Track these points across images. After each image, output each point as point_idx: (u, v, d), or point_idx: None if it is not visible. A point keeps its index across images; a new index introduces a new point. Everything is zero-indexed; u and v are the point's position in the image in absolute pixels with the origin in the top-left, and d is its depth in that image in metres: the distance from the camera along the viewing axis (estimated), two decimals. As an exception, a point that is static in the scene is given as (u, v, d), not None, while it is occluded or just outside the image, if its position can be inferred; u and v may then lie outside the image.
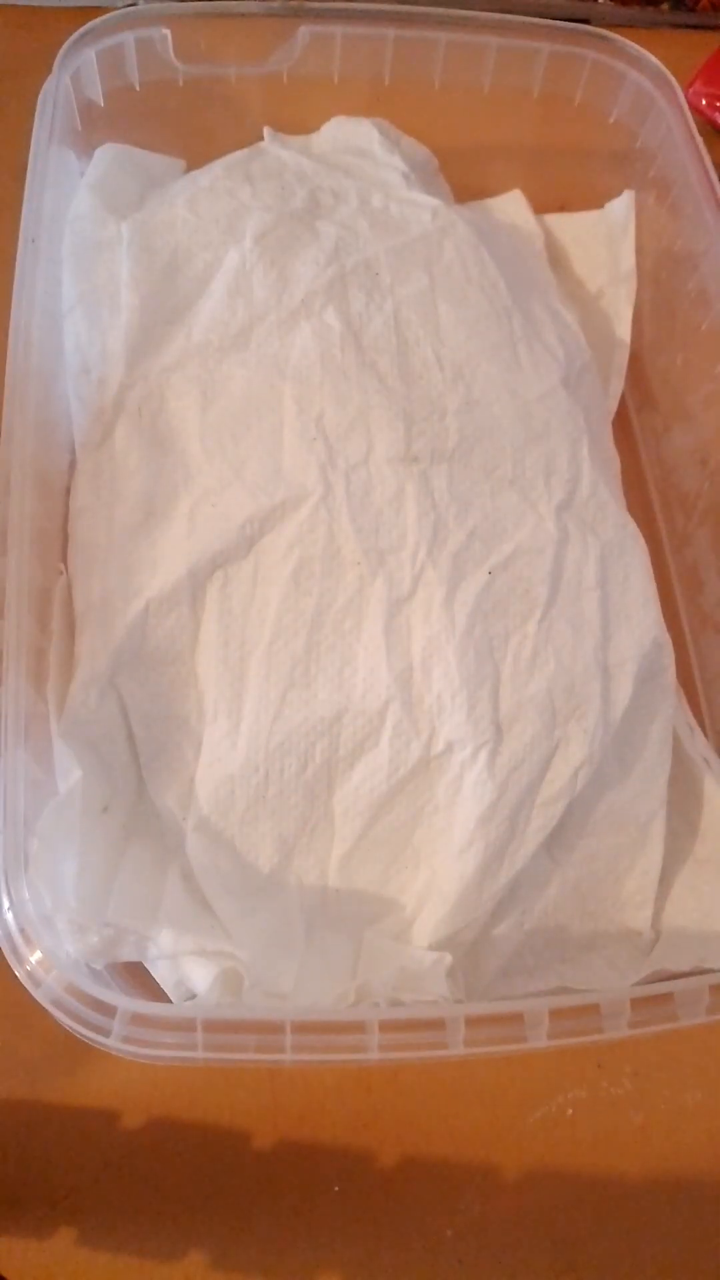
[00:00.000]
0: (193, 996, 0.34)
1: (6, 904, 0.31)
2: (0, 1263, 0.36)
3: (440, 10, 0.47)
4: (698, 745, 0.40)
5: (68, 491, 0.41)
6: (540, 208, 0.49)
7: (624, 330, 0.48)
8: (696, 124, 0.46)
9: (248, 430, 0.40)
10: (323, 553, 0.39)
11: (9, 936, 0.31)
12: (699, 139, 0.45)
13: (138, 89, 0.44)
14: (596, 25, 0.47)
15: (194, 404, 0.40)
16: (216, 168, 0.45)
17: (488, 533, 0.39)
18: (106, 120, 0.45)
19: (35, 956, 0.31)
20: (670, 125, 0.46)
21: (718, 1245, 0.37)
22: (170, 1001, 0.34)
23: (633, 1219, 0.38)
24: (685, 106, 0.46)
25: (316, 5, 0.46)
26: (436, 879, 0.36)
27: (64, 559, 0.40)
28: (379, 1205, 0.37)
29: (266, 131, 0.46)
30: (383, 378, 0.41)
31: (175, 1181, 0.37)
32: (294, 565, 0.38)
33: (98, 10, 0.45)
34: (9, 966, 0.31)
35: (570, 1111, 0.38)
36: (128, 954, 0.34)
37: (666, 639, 0.40)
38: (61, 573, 0.39)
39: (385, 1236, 0.37)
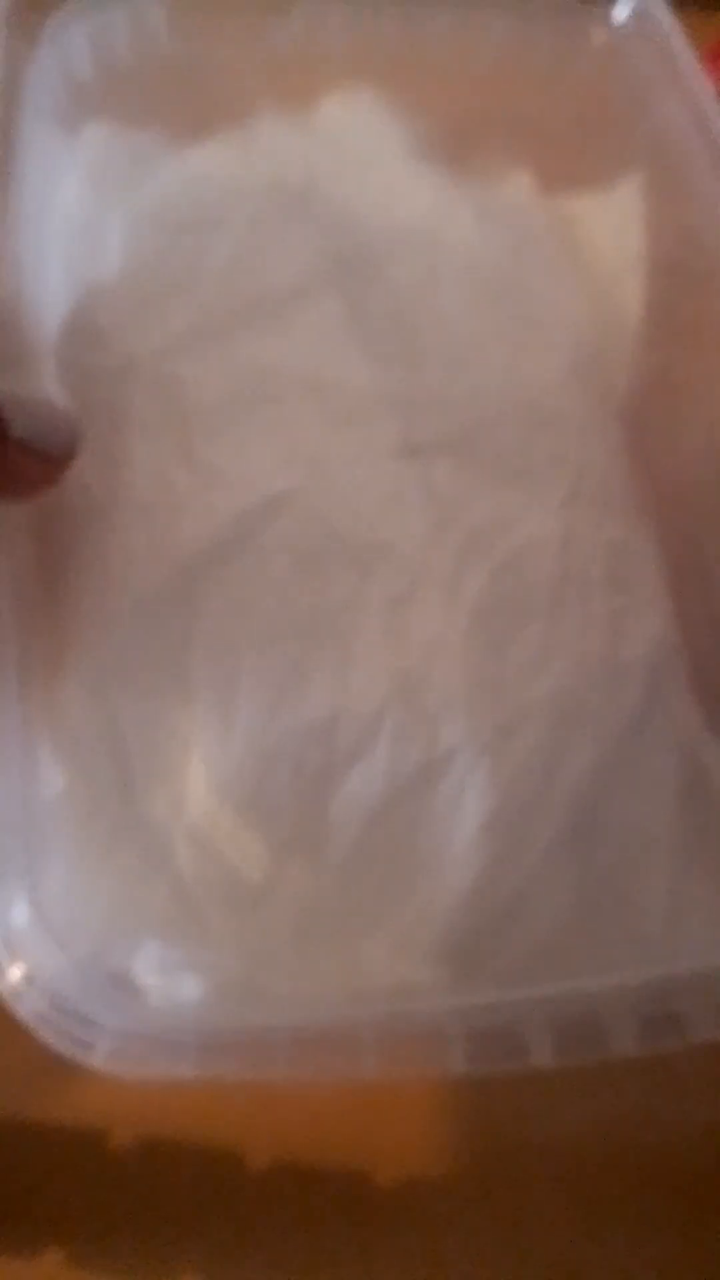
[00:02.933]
0: (184, 1010, 0.34)
1: (-10, 916, 0.31)
2: (-11, 1284, 0.36)
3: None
4: (708, 749, 0.40)
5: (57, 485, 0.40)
6: (545, 188, 0.49)
7: (630, 316, 0.48)
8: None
9: (243, 421, 0.40)
10: (319, 549, 0.38)
11: (-8, 950, 0.31)
12: (712, 119, 0.45)
13: (129, 67, 0.44)
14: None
15: (187, 394, 0.40)
16: (212, 147, 0.45)
17: (491, 529, 0.39)
18: (96, 99, 0.44)
19: (19, 969, 0.31)
20: (681, 106, 0.45)
21: (723, 1263, 0.37)
22: (160, 1016, 0.34)
23: (637, 1237, 0.38)
24: (695, 87, 0.45)
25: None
26: (437, 888, 0.36)
27: (54, 557, 0.39)
28: (377, 1223, 0.37)
29: (263, 110, 0.46)
30: (383, 366, 0.41)
31: (167, 1200, 0.37)
32: (289, 563, 0.38)
33: (86, -15, 0.44)
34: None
35: (573, 1131, 0.39)
36: (116, 966, 0.34)
37: (677, 639, 0.40)
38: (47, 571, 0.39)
39: (384, 1254, 0.37)
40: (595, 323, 0.46)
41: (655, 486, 0.45)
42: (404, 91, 0.47)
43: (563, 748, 0.37)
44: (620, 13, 0.47)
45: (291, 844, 0.36)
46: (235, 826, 0.36)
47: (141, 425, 0.40)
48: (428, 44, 0.46)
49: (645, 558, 0.41)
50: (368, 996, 0.34)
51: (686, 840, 0.38)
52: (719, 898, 0.37)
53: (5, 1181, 0.37)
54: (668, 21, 0.47)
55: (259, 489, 0.39)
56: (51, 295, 0.42)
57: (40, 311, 0.41)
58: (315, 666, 0.37)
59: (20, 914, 0.31)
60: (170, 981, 0.34)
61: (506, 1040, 0.31)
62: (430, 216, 0.44)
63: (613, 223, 0.49)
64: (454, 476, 0.40)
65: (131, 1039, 0.30)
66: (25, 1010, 0.30)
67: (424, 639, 0.38)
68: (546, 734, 0.37)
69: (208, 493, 0.39)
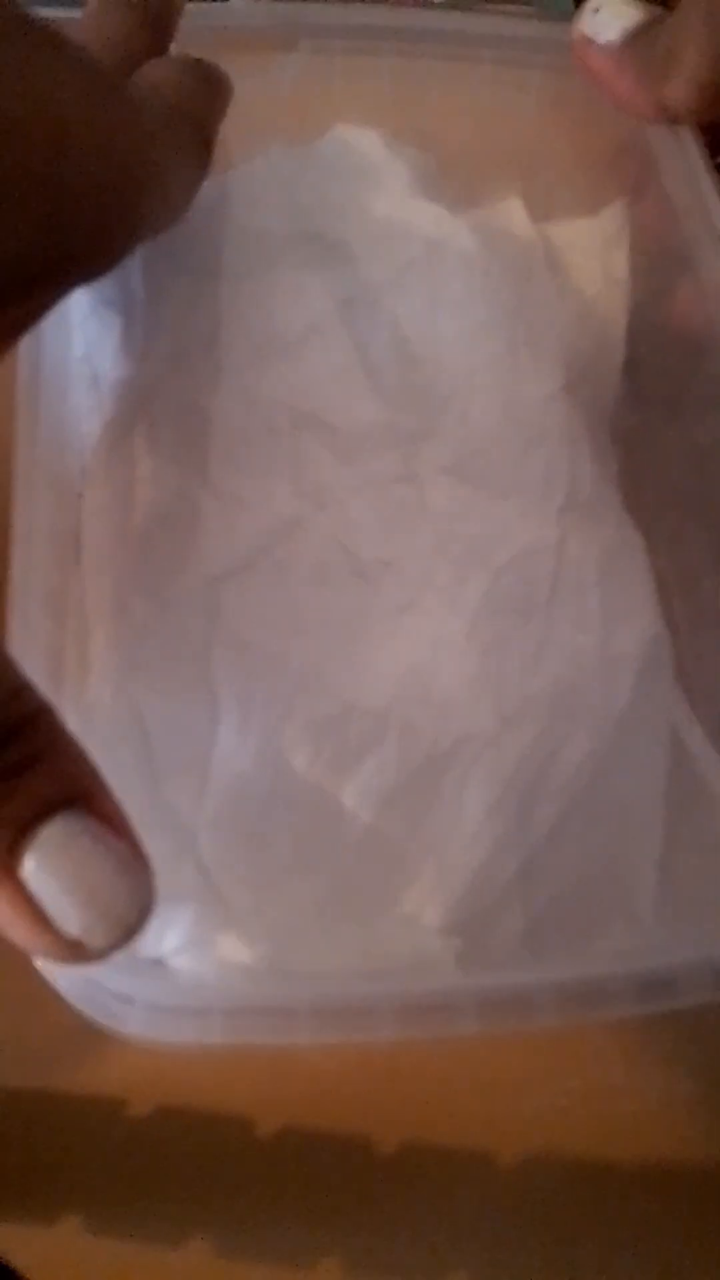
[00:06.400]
0: (211, 983, 0.36)
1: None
2: (6, 1249, 0.38)
3: (437, 23, 0.49)
4: (695, 738, 0.43)
5: (82, 497, 0.43)
6: (538, 216, 0.52)
7: (619, 333, 0.51)
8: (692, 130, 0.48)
9: (258, 445, 0.43)
10: (330, 563, 0.42)
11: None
12: (696, 145, 0.47)
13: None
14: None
15: (205, 417, 0.43)
16: (223, 181, 0.47)
17: (490, 539, 0.42)
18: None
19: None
20: (667, 130, 0.48)
21: (713, 1236, 0.40)
22: (189, 988, 0.36)
23: (629, 1209, 0.40)
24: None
25: (314, 22, 0.48)
26: (445, 869, 0.38)
27: (78, 561, 0.42)
28: (380, 1194, 0.40)
29: (267, 146, 0.48)
30: (386, 401, 0.44)
31: (179, 1169, 0.39)
32: (303, 575, 0.41)
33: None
34: (13, 955, 0.33)
35: (565, 1101, 0.41)
36: (146, 943, 0.36)
37: (666, 635, 0.43)
38: (75, 573, 0.41)
39: (386, 1224, 0.39)
40: (584, 340, 0.49)
41: (644, 493, 0.48)
42: (403, 124, 0.50)
43: (560, 738, 0.40)
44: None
45: (308, 830, 0.39)
46: (256, 814, 0.38)
47: (164, 448, 0.43)
48: (424, 80, 0.49)
49: (635, 560, 0.44)
50: (384, 967, 0.36)
51: (673, 820, 0.41)
52: (704, 871, 0.40)
53: (21, 1150, 0.39)
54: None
55: (274, 514, 0.42)
56: (75, 321, 0.45)
57: (67, 335, 0.44)
58: (328, 667, 0.40)
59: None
60: (198, 957, 0.36)
61: (512, 1005, 0.33)
62: (430, 249, 0.47)
63: (599, 246, 0.52)
64: (452, 496, 0.43)
65: (163, 1009, 0.33)
66: (63, 983, 0.33)
67: (428, 640, 0.41)
68: (545, 725, 0.39)
69: (227, 516, 0.42)
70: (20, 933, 0.26)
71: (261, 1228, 0.39)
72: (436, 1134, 0.40)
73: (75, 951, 0.26)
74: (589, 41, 0.46)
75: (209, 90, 0.40)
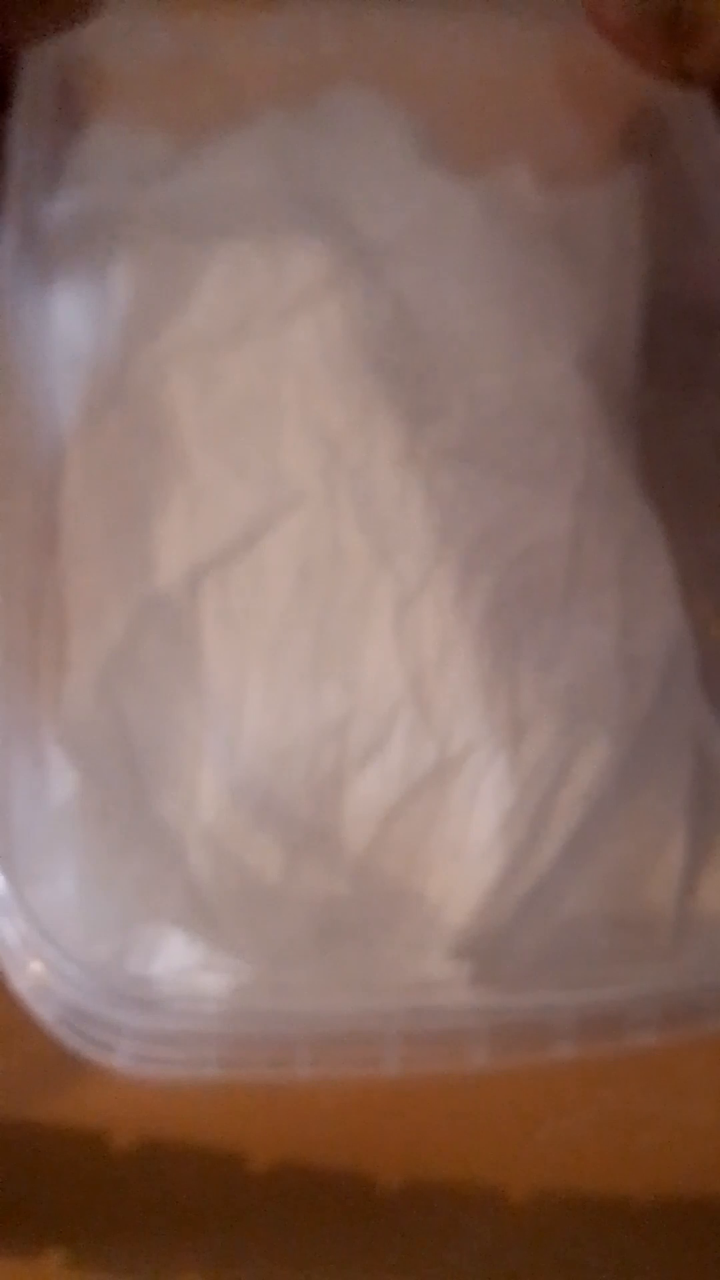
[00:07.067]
0: (204, 1012, 0.34)
1: (6, 917, 0.32)
2: (-12, 1284, 0.37)
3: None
4: (718, 745, 0.41)
5: (57, 486, 0.41)
6: (545, 182, 0.50)
7: (633, 307, 0.49)
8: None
9: (246, 427, 0.41)
10: (327, 552, 0.39)
11: (9, 950, 0.32)
12: (711, 110, 0.46)
13: (127, 70, 0.44)
14: None
15: (190, 398, 0.41)
16: (213, 148, 0.46)
17: (501, 527, 0.40)
18: (93, 102, 0.45)
19: (37, 971, 0.31)
20: (680, 95, 0.47)
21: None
22: (180, 1018, 0.34)
23: (644, 1242, 0.39)
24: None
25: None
26: (455, 885, 0.37)
27: (54, 555, 0.40)
28: (381, 1229, 0.38)
29: (261, 109, 0.47)
30: (386, 372, 0.42)
31: (168, 1203, 0.38)
32: (297, 565, 0.39)
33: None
34: (-1, 982, 0.31)
35: (578, 1132, 0.39)
36: (134, 968, 0.35)
37: (689, 633, 0.41)
38: (51, 571, 0.40)
39: (388, 1262, 0.38)
40: (597, 316, 0.47)
41: (664, 479, 0.46)
42: (400, 87, 0.48)
43: (577, 744, 0.38)
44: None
45: (306, 844, 0.37)
46: (248, 827, 0.37)
47: (147, 428, 0.41)
48: (427, 40, 0.47)
49: (655, 553, 0.42)
50: (388, 994, 0.35)
51: (698, 833, 0.39)
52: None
53: (7, 1182, 0.38)
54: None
55: (265, 495, 0.40)
56: (52, 299, 0.43)
57: (44, 317, 0.42)
58: (326, 666, 0.38)
59: (38, 917, 0.32)
60: (189, 983, 0.34)
61: (528, 1033, 0.32)
62: (432, 215, 0.45)
63: (611, 215, 0.50)
64: (460, 479, 0.41)
65: (152, 1040, 0.31)
66: (46, 1012, 0.31)
67: (436, 637, 0.38)
68: (561, 730, 0.38)
69: (207, 505, 0.40)
70: None
71: (254, 1269, 0.37)
72: (442, 1168, 0.39)
73: None
74: None
75: None
